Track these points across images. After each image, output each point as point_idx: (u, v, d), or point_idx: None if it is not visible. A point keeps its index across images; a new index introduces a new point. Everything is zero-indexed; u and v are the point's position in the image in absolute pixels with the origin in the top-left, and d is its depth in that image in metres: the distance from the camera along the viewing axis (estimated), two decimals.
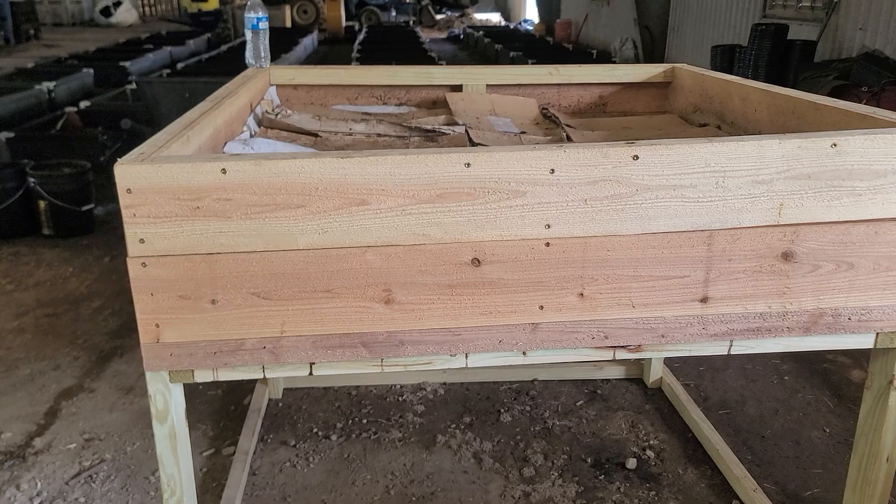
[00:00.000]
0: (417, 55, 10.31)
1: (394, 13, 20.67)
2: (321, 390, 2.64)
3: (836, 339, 1.40)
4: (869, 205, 1.30)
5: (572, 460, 2.27)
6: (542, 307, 1.32)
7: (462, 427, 2.43)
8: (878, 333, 1.39)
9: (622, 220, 1.29)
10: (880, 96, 5.31)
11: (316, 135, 1.95)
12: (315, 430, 2.41)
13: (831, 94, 5.78)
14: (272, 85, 2.29)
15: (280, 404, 2.56)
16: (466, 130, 1.98)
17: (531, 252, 1.29)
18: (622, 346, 1.37)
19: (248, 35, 2.25)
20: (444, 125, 2.04)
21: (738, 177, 1.28)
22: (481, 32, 14.71)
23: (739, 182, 1.28)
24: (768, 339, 1.38)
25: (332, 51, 14.60)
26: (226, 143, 1.70)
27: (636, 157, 1.26)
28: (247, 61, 2.26)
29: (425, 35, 16.08)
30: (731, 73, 6.78)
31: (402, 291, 1.28)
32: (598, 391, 2.66)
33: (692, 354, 1.40)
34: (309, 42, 13.27)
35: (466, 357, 1.35)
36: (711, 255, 1.32)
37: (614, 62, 10.04)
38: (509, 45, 11.44)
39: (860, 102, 5.58)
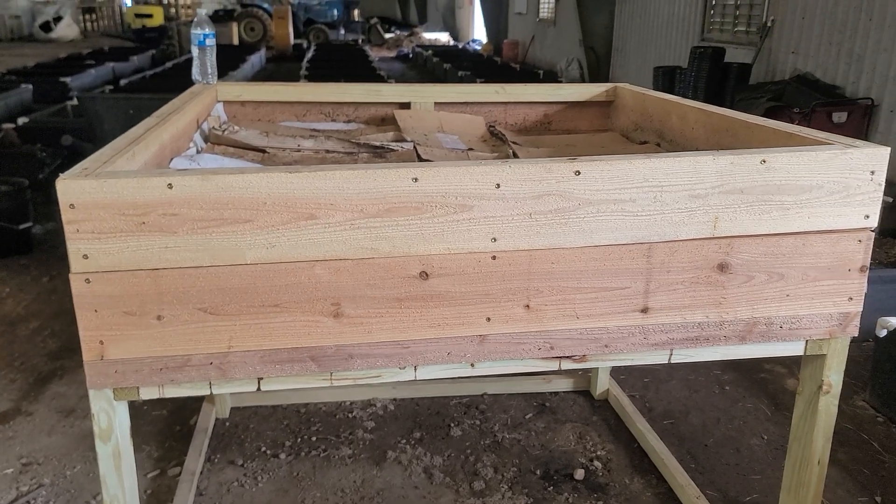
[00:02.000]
0: (366, 73, 10.34)
1: (342, 31, 20.69)
2: (269, 408, 2.61)
3: (769, 348, 1.46)
4: (796, 218, 1.37)
5: (522, 473, 2.30)
6: (489, 319, 1.35)
7: (412, 442, 2.43)
8: (807, 341, 1.46)
9: (566, 233, 1.33)
10: (811, 117, 5.55)
11: (264, 151, 1.95)
12: (263, 448, 2.38)
13: (765, 116, 6.02)
14: (219, 101, 2.28)
15: (227, 423, 2.52)
16: (415, 147, 2.01)
17: (478, 265, 1.32)
18: (567, 357, 1.40)
19: (195, 51, 2.24)
20: (392, 142, 2.06)
21: (676, 191, 1.33)
22: (430, 52, 14.85)
23: (676, 196, 1.34)
24: (706, 348, 1.43)
25: (280, 68, 14.53)
26: (172, 159, 1.68)
27: (578, 173, 1.30)
28: (193, 78, 2.25)
29: (374, 54, 16.13)
30: (672, 93, 6.99)
31: (350, 305, 1.29)
32: (547, 404, 2.69)
33: (634, 364, 1.44)
34: (256, 59, 13.18)
35: (415, 370, 1.37)
36: (651, 266, 1.36)
37: (560, 82, 10.25)
38: (458, 65, 11.58)
39: (792, 123, 5.80)
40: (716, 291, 1.39)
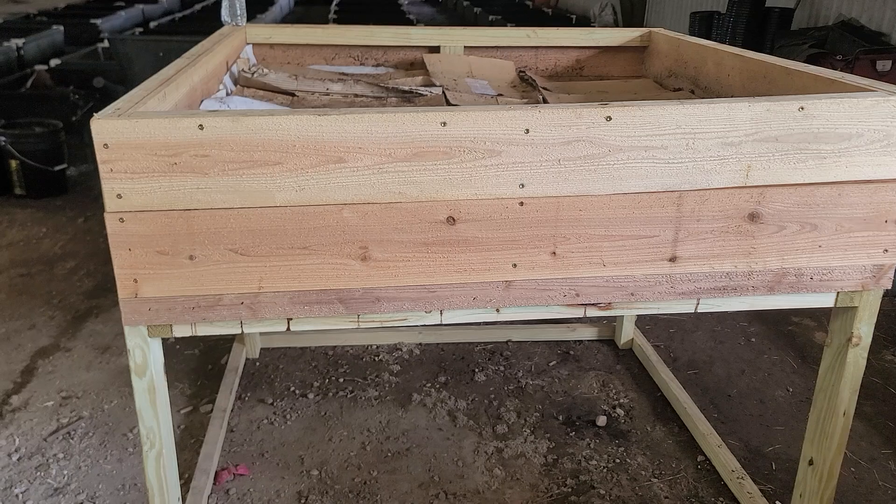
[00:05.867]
0: (395, 18, 10.16)
1: None
2: (298, 350, 2.66)
3: (798, 298, 1.45)
4: (833, 167, 1.34)
5: (544, 418, 2.33)
6: (515, 265, 1.35)
7: (437, 386, 2.48)
8: (838, 293, 1.44)
9: (594, 180, 1.32)
10: (854, 65, 5.36)
11: (293, 94, 1.95)
12: (292, 388, 2.44)
13: (807, 63, 5.82)
14: (248, 44, 2.27)
15: (257, 363, 2.58)
16: (443, 92, 1.98)
17: (505, 211, 1.31)
18: (593, 304, 1.40)
19: None
20: (421, 86, 2.04)
21: (708, 139, 1.31)
22: None
23: (709, 144, 1.31)
24: (734, 298, 1.42)
25: (309, 11, 14.33)
26: (202, 101, 1.69)
27: (609, 119, 1.28)
28: (223, 19, 2.23)
29: None
30: (709, 39, 6.78)
31: (378, 249, 1.31)
32: (571, 352, 2.71)
33: (661, 313, 1.44)
34: (285, 2, 13.02)
35: (441, 314, 1.38)
36: (681, 215, 1.35)
37: (593, 27, 10.00)
38: (489, 9, 11.31)
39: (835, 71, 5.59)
40: (745, 241, 1.37)
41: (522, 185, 1.30)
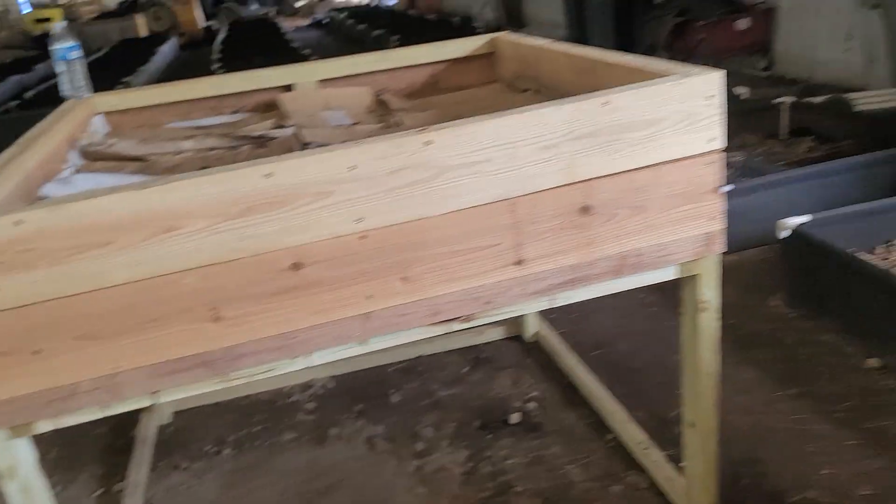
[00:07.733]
0: (280, 48, 10.12)
1: (255, 5, 20.08)
2: (211, 406, 2.63)
3: (644, 277, 1.53)
4: (646, 152, 1.42)
5: (461, 427, 2.37)
6: (369, 297, 1.38)
7: (354, 416, 2.49)
8: (677, 265, 1.53)
9: (429, 202, 1.36)
10: (716, 28, 5.64)
11: (143, 159, 1.94)
12: (206, 447, 2.41)
13: (673, 33, 6.08)
14: (99, 113, 2.24)
15: (171, 428, 2.54)
16: (296, 131, 2.01)
17: (348, 248, 1.34)
18: (453, 319, 1.45)
19: (62, 67, 2.19)
20: (273, 129, 2.06)
21: (528, 145, 1.37)
22: (345, 14, 14.55)
23: (529, 150, 1.37)
24: (584, 287, 1.49)
25: (195, 55, 14.09)
26: (43, 185, 1.66)
27: (429, 143, 1.33)
28: (62, 94, 2.20)
29: (288, 24, 15.75)
30: (583, 24, 6.99)
31: (229, 307, 1.32)
32: (482, 355, 2.77)
33: (520, 314, 1.50)
34: (168, 49, 12.76)
35: (307, 357, 1.40)
36: (517, 220, 1.41)
37: (476, 27, 10.17)
38: (374, 24, 11.39)
39: (699, 37, 5.87)
40: (583, 233, 1.44)
41: (360, 220, 1.34)
